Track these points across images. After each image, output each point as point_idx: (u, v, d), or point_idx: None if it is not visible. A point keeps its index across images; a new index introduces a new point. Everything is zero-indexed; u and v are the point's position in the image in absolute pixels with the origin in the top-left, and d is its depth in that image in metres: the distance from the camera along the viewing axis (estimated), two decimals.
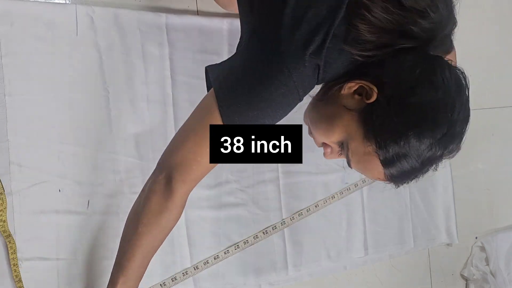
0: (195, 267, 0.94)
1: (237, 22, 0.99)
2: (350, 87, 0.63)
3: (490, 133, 1.43)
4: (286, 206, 1.05)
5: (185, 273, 0.93)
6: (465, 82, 0.64)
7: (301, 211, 1.06)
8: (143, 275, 0.72)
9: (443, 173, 1.29)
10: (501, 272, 1.37)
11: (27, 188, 0.80)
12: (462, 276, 1.37)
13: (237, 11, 0.87)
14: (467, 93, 0.65)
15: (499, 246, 1.39)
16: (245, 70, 0.63)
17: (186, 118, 0.94)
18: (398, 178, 0.64)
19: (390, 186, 0.68)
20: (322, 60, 0.61)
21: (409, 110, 0.59)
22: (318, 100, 0.69)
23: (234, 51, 0.99)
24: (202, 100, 0.67)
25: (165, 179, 0.67)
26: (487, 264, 1.38)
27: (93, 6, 0.86)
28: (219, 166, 0.97)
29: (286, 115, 0.66)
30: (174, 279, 0.92)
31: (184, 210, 0.93)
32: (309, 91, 0.66)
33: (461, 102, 0.62)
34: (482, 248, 1.38)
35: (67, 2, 0.85)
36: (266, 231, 1.02)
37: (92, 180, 0.86)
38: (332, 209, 1.11)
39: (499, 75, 1.45)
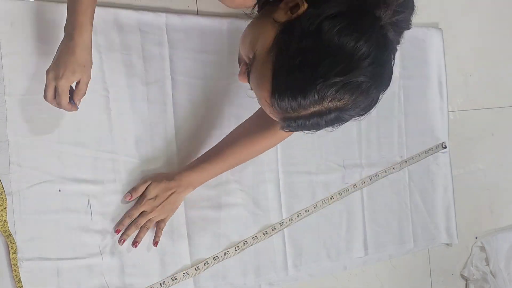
0: (196, 268, 0.94)
1: (237, 22, 1.00)
2: (287, 2, 0.59)
3: (490, 133, 1.43)
4: (286, 206, 1.05)
5: (185, 274, 0.93)
6: (392, 55, 0.60)
7: (300, 212, 1.06)
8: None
9: (443, 173, 1.29)
10: (501, 272, 1.37)
11: (27, 188, 0.81)
12: (462, 276, 1.37)
13: (237, 7, 0.86)
14: (390, 58, 0.60)
15: (499, 246, 1.39)
16: None
17: (186, 118, 0.94)
18: (282, 112, 0.59)
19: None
20: None
21: (323, 38, 0.55)
22: (256, 18, 0.67)
23: (234, 51, 1.00)
24: None
25: None
26: (487, 264, 1.38)
27: None
28: None
29: None
30: (174, 278, 0.92)
31: (184, 210, 0.94)
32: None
33: (377, 60, 0.57)
34: (482, 248, 1.38)
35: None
36: (266, 231, 1.02)
37: (92, 180, 0.86)
38: (332, 209, 1.11)
39: (499, 75, 1.45)
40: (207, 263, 0.95)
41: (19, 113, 0.80)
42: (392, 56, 0.61)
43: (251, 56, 0.62)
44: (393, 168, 1.20)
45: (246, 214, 1.01)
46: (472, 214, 1.38)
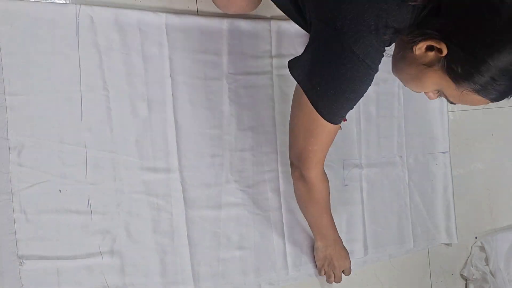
0: None
1: (237, 22, 1.00)
2: (420, 48, 0.65)
3: (490, 133, 1.43)
4: (286, 206, 1.05)
5: None
6: None
7: None
8: (330, 223, 0.97)
9: (443, 173, 1.29)
10: (501, 272, 1.37)
11: (27, 188, 0.81)
12: (462, 276, 1.37)
13: (235, 12, 0.88)
14: None
15: (499, 246, 1.39)
16: (320, 61, 0.69)
17: (186, 118, 0.95)
18: (501, 97, 0.66)
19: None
20: (381, 22, 0.64)
21: (481, 43, 0.60)
22: (396, 60, 0.73)
23: (234, 51, 1.00)
24: (297, 96, 0.75)
25: (298, 171, 0.84)
26: (487, 264, 1.38)
27: (93, 6, 0.86)
28: (219, 166, 0.98)
29: (368, 84, 0.70)
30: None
31: (184, 210, 0.94)
32: (380, 58, 0.68)
33: None
34: (482, 248, 1.38)
35: (67, 2, 0.85)
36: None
37: (92, 179, 0.86)
38: (332, 210, 1.10)
39: None
40: None
41: (19, 113, 0.80)
42: None
43: (434, 92, 0.72)
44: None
45: (246, 214, 1.01)
46: (472, 214, 1.38)
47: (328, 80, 0.68)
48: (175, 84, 0.94)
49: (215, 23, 0.98)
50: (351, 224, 1.13)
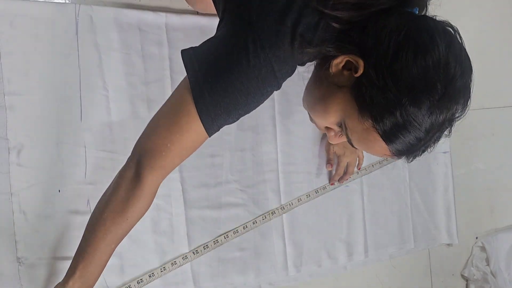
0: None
1: None
2: (337, 63, 0.60)
3: (490, 133, 1.43)
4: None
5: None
6: (454, 32, 0.59)
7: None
8: (104, 265, 0.70)
9: (443, 173, 1.29)
10: (502, 272, 1.37)
11: (27, 188, 0.80)
12: (463, 276, 1.37)
13: (205, 10, 0.87)
14: (459, 42, 0.59)
15: (500, 246, 1.39)
16: (218, 48, 0.61)
17: None
18: (406, 152, 0.60)
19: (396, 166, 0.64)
20: (300, 29, 0.58)
21: (399, 77, 0.55)
22: (307, 86, 0.68)
23: None
24: (179, 86, 0.64)
25: (135, 165, 0.66)
26: (488, 264, 1.37)
27: (93, 6, 0.86)
28: (219, 166, 0.98)
29: (262, 96, 0.62)
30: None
31: (184, 210, 0.94)
32: (288, 72, 0.62)
33: (455, 56, 0.57)
34: (483, 248, 1.38)
35: (67, 1, 0.85)
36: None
37: (92, 179, 0.85)
38: (332, 210, 1.10)
39: (499, 75, 1.45)
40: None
41: (19, 113, 0.80)
42: (456, 38, 0.61)
43: (336, 125, 0.64)
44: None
45: (246, 214, 1.00)
46: (472, 214, 1.38)
47: (224, 73, 0.59)
48: (175, 84, 0.92)
49: (215, 23, 0.97)
50: (351, 225, 1.13)
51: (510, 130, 1.47)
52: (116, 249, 0.86)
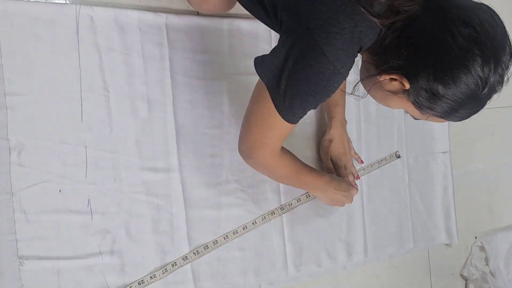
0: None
1: (237, 22, 1.00)
2: (384, 79, 0.67)
3: (490, 133, 1.43)
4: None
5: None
6: (496, 18, 0.67)
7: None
8: (312, 170, 0.94)
9: (443, 173, 1.29)
10: (501, 272, 1.37)
11: (27, 188, 0.81)
12: (462, 276, 1.37)
13: (209, 11, 0.89)
14: (500, 26, 0.66)
15: (499, 246, 1.39)
16: (287, 57, 0.66)
17: (186, 118, 0.95)
18: (465, 118, 0.68)
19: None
20: (356, 28, 0.63)
21: (438, 80, 0.62)
22: (364, 80, 0.73)
23: (234, 51, 1.00)
24: (257, 91, 0.73)
25: (253, 162, 0.81)
26: (487, 264, 1.38)
27: (93, 6, 0.86)
28: (219, 166, 0.98)
29: (332, 90, 0.68)
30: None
31: (184, 210, 0.94)
32: (351, 64, 0.67)
33: (496, 42, 0.63)
34: (482, 248, 1.38)
35: (67, 2, 0.85)
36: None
37: (92, 179, 0.86)
38: (332, 211, 1.11)
39: None
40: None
41: (19, 113, 0.80)
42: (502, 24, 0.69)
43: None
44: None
45: (246, 214, 1.01)
46: (471, 214, 1.38)
47: (292, 80, 0.66)
48: (175, 84, 0.94)
49: (215, 23, 0.98)
50: (351, 225, 1.13)
51: (510, 130, 1.47)
52: (116, 248, 0.86)
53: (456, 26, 0.60)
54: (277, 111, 0.70)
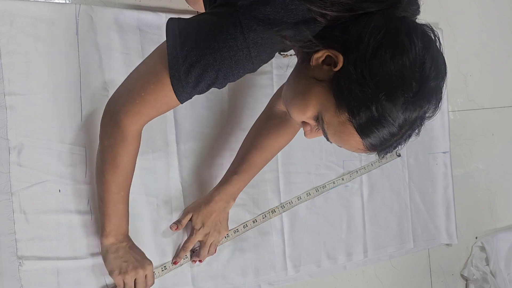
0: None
1: None
2: (317, 57, 0.62)
3: (490, 133, 1.43)
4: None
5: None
6: (434, 36, 0.62)
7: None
8: (126, 212, 0.80)
9: (443, 173, 1.29)
10: (501, 272, 1.37)
11: (27, 188, 0.80)
12: (462, 276, 1.37)
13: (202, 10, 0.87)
14: (437, 46, 0.62)
15: (499, 246, 1.39)
16: (201, 23, 0.63)
17: (186, 117, 0.95)
18: (379, 147, 0.62)
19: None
20: (284, 19, 0.60)
21: (376, 73, 0.57)
22: (291, 79, 0.69)
23: None
24: (157, 50, 0.67)
25: (109, 114, 0.71)
26: (487, 264, 1.38)
27: (93, 6, 0.86)
28: (219, 166, 0.98)
29: (234, 75, 0.65)
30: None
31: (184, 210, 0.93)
32: (267, 60, 0.65)
33: (431, 58, 0.59)
34: (482, 248, 1.38)
35: (67, 1, 0.85)
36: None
37: (92, 179, 0.85)
38: (332, 211, 1.11)
39: (499, 75, 1.45)
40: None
41: (19, 113, 0.80)
42: (435, 42, 0.62)
43: (313, 119, 0.65)
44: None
45: (246, 214, 1.01)
46: (472, 214, 1.38)
47: (202, 46, 0.61)
48: None
49: None
50: (351, 225, 1.13)
51: (510, 130, 1.47)
52: None
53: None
54: (169, 73, 0.63)
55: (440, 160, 1.29)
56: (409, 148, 1.23)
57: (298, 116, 0.67)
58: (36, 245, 0.81)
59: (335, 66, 0.60)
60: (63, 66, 0.84)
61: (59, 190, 0.83)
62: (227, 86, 0.96)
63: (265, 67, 1.03)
